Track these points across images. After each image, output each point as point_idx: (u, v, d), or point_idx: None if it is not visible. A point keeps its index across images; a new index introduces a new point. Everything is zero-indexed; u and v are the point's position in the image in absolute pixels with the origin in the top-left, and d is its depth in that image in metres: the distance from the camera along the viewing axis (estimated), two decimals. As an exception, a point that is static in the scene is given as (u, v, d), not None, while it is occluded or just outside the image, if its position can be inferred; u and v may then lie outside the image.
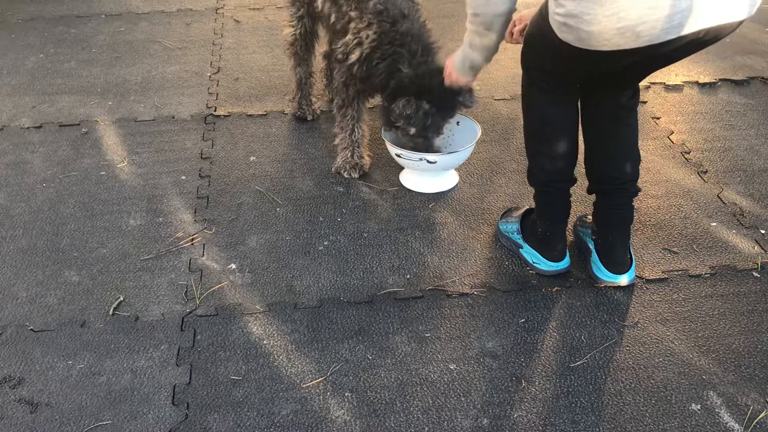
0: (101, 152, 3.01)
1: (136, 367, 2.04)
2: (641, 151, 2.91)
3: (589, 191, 2.30)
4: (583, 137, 2.22)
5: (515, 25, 2.25)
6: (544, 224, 2.29)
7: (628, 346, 2.08)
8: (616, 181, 2.19)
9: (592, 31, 1.73)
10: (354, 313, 2.21)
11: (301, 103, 3.12)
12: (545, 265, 2.31)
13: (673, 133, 3.04)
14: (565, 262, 2.31)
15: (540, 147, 2.20)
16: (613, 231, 2.24)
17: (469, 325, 2.16)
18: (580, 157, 2.24)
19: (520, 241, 2.37)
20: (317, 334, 2.14)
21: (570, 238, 2.42)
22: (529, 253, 2.34)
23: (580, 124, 2.21)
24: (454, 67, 2.30)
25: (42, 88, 3.49)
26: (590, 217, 2.39)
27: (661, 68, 2.06)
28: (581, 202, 2.55)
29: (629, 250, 2.27)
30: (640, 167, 2.21)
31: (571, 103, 2.13)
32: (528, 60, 2.12)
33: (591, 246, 2.31)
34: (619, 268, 2.25)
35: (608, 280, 2.25)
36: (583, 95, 2.17)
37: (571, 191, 2.26)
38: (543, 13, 1.90)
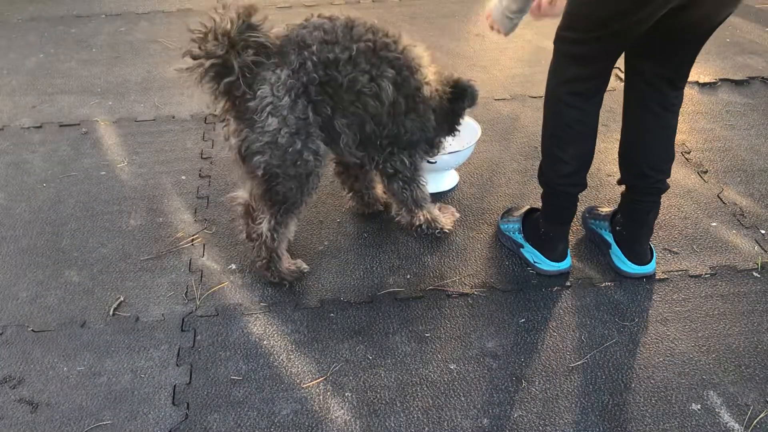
0: (101, 152, 3.01)
1: (136, 367, 2.05)
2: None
3: (620, 183, 2.30)
4: (623, 132, 2.22)
5: None
6: (547, 224, 2.29)
7: (628, 346, 2.08)
8: (650, 179, 2.19)
9: None
10: (354, 313, 2.21)
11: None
12: (546, 265, 2.31)
13: (673, 133, 3.04)
14: (566, 263, 2.31)
15: (557, 150, 2.18)
16: (640, 225, 2.26)
17: (469, 325, 2.16)
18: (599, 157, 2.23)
19: (521, 241, 2.37)
20: (317, 334, 2.14)
21: (571, 237, 2.41)
22: (530, 253, 2.34)
23: (628, 121, 2.19)
24: (492, 12, 2.16)
25: (42, 88, 3.49)
26: (602, 209, 2.41)
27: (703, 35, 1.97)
28: (583, 201, 2.55)
29: (649, 241, 2.31)
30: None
31: (593, 108, 2.11)
32: (563, 44, 2.03)
33: (609, 239, 2.32)
34: (644, 260, 2.28)
35: (634, 272, 2.28)
36: (629, 90, 2.16)
37: (579, 196, 2.26)
38: None
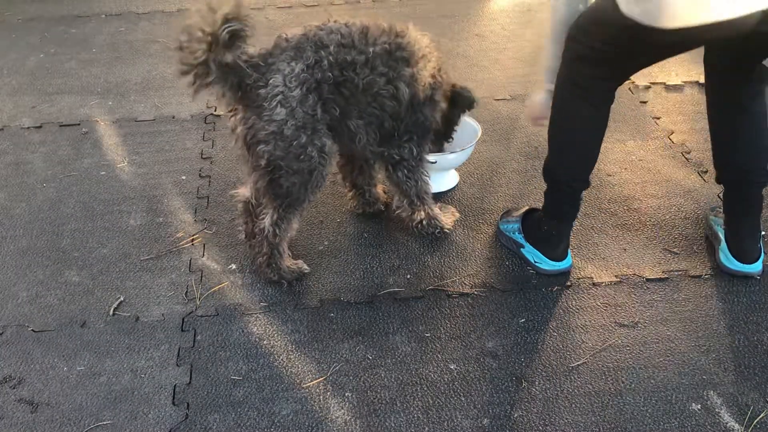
0: (101, 152, 3.01)
1: (136, 367, 2.05)
2: (641, 151, 2.93)
3: (717, 180, 2.32)
4: (709, 128, 2.24)
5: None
6: (549, 222, 2.29)
7: (628, 346, 2.08)
8: (744, 172, 2.20)
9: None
10: (354, 313, 2.21)
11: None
12: (547, 264, 2.30)
13: (673, 133, 3.04)
14: (567, 262, 2.31)
15: (564, 146, 2.19)
16: (741, 220, 2.26)
17: (469, 325, 2.16)
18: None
19: (522, 241, 2.37)
20: (317, 334, 2.14)
21: (571, 237, 2.41)
22: (530, 253, 2.34)
23: (714, 120, 2.22)
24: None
25: (42, 88, 3.49)
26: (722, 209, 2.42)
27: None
28: (592, 204, 2.55)
29: (759, 240, 2.28)
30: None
31: (604, 106, 2.10)
32: (576, 45, 2.01)
33: (721, 235, 2.32)
34: (748, 258, 2.26)
35: (736, 269, 2.27)
36: (707, 86, 2.19)
37: (583, 195, 2.26)
38: None
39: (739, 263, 2.27)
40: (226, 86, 2.03)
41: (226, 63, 1.97)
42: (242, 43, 2.00)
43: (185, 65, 2.00)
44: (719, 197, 2.65)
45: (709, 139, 2.26)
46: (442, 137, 2.46)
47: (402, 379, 2.00)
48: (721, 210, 2.40)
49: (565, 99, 2.12)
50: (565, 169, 2.21)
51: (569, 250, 2.32)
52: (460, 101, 2.37)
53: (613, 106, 2.07)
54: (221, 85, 2.03)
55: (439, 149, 2.54)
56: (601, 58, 1.97)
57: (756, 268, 2.27)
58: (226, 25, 1.92)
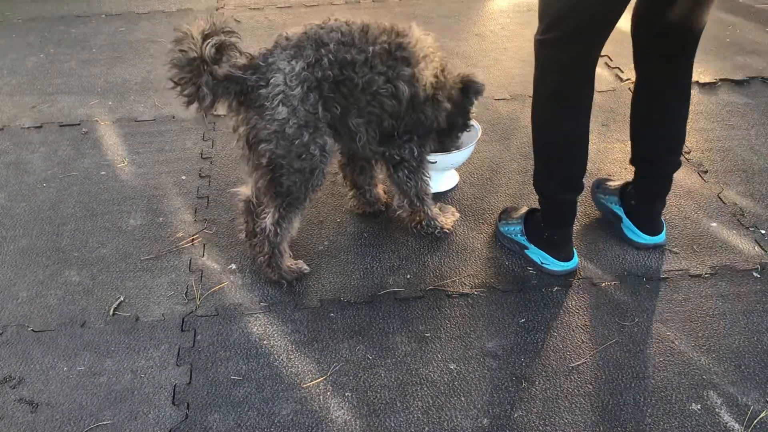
0: (101, 152, 3.01)
1: (136, 367, 2.05)
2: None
3: (632, 163, 2.36)
4: (632, 115, 2.28)
5: None
6: (549, 229, 2.29)
7: (628, 346, 2.08)
8: (663, 158, 2.27)
9: None
10: (354, 313, 2.21)
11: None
12: (555, 265, 2.30)
13: (673, 133, 3.04)
14: (574, 261, 2.31)
15: (550, 162, 2.19)
16: (653, 201, 2.35)
17: (469, 325, 2.16)
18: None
19: (525, 243, 2.37)
20: (317, 334, 2.14)
21: (574, 237, 2.41)
22: (537, 254, 2.34)
23: (636, 111, 2.26)
24: None
25: (42, 88, 3.49)
26: (611, 183, 2.50)
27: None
28: (581, 202, 2.55)
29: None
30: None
31: (584, 116, 2.10)
32: (546, 49, 2.03)
33: (620, 213, 2.40)
34: (656, 230, 2.38)
35: (645, 242, 2.38)
36: (638, 76, 2.22)
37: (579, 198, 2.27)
38: None
39: (647, 236, 2.38)
40: (230, 97, 2.04)
41: (223, 76, 1.97)
42: (232, 52, 2.00)
43: (186, 96, 2.00)
44: (719, 197, 2.65)
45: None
46: (459, 128, 2.45)
47: (402, 379, 2.00)
48: (610, 186, 2.49)
49: (544, 117, 2.13)
50: (554, 183, 2.21)
51: (574, 249, 2.33)
52: (470, 88, 2.34)
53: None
54: (226, 97, 2.04)
55: (456, 144, 2.54)
56: (568, 51, 1.98)
57: (662, 238, 2.40)
58: (208, 42, 1.92)
